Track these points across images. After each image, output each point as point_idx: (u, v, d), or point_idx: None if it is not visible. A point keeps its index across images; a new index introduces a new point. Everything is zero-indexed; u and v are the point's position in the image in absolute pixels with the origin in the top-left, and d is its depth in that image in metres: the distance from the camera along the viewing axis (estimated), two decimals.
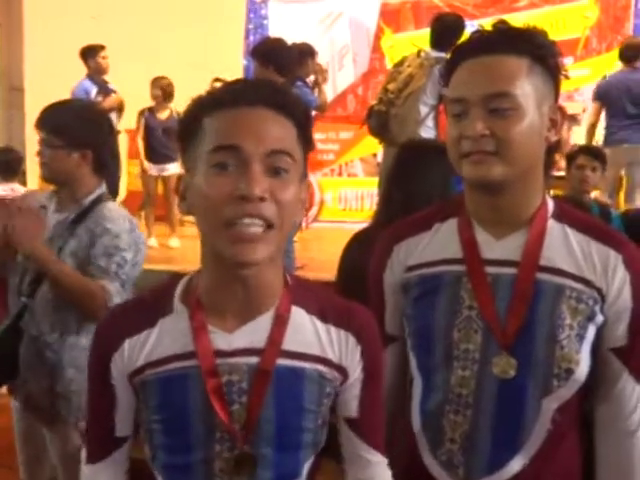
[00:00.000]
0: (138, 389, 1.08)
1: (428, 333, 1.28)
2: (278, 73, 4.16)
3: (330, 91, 6.94)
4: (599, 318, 1.22)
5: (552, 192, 5.26)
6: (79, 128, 2.10)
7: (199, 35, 7.75)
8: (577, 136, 6.44)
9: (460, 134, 1.20)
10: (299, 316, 1.08)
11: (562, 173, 4.26)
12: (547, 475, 1.24)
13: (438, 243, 1.31)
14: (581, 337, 1.21)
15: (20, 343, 2.06)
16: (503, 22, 1.24)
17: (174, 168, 5.79)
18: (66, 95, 3.93)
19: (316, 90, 5.08)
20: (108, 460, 1.14)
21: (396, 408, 1.37)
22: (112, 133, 2.31)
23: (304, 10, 8.78)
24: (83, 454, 1.16)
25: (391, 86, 4.40)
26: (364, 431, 1.15)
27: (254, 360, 1.04)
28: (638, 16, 7.86)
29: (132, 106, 5.92)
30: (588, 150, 4.08)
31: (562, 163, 5.16)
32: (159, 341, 1.06)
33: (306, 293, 1.11)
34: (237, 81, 1.05)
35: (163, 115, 5.98)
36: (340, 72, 8.83)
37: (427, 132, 4.30)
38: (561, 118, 1.24)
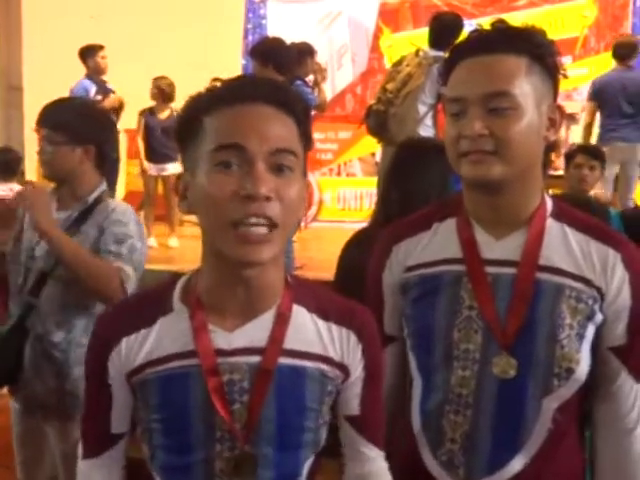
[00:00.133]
0: (137, 388, 1.08)
1: (428, 333, 1.28)
2: (277, 72, 4.16)
3: (329, 91, 6.94)
4: (598, 317, 1.22)
5: (551, 191, 5.27)
6: (81, 123, 2.09)
7: (198, 35, 7.74)
8: (576, 135, 6.44)
9: (459, 133, 1.19)
10: (300, 315, 1.08)
11: (561, 172, 4.26)
12: (548, 475, 1.24)
13: (437, 243, 1.31)
14: (581, 336, 1.21)
15: (25, 342, 2.06)
16: (502, 21, 1.24)
17: (174, 168, 5.78)
18: (65, 95, 3.92)
19: (315, 89, 5.08)
20: (104, 456, 1.14)
21: (396, 408, 1.37)
22: (114, 130, 2.30)
23: (303, 10, 8.78)
24: (80, 450, 1.16)
25: (390, 85, 4.41)
26: (365, 428, 1.16)
27: (255, 359, 1.04)
28: (636, 15, 7.87)
29: (131, 106, 5.92)
30: (586, 149, 4.09)
31: (558, 162, 5.18)
32: (159, 340, 1.06)
33: (306, 292, 1.10)
34: (237, 78, 1.04)
35: (163, 115, 5.98)
36: (339, 72, 8.83)
37: (426, 131, 4.30)
38: (560, 117, 1.24)
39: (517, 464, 1.22)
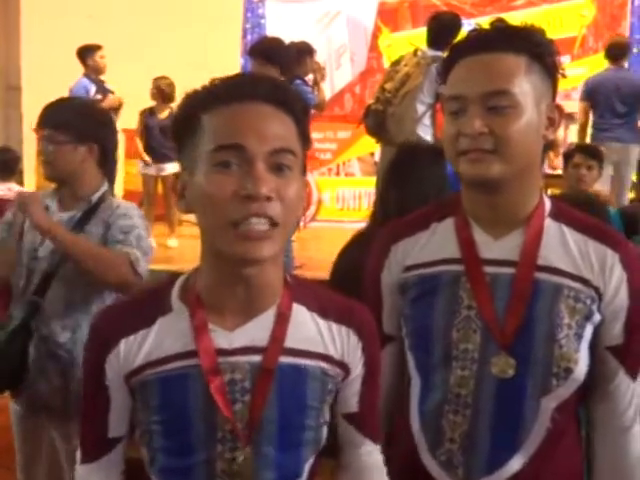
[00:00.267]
0: (136, 390, 1.07)
1: (427, 333, 1.28)
2: (277, 71, 4.16)
3: (327, 90, 6.93)
4: (596, 317, 1.22)
5: (550, 191, 5.28)
6: (83, 122, 2.09)
7: (196, 34, 7.73)
8: (574, 135, 6.44)
9: (458, 132, 1.19)
10: (300, 314, 1.07)
11: (560, 172, 4.26)
12: (546, 474, 1.24)
13: (436, 243, 1.30)
14: (579, 336, 1.21)
15: (29, 343, 2.05)
16: (501, 20, 1.24)
17: (172, 168, 5.78)
18: (64, 94, 3.90)
19: (315, 89, 5.08)
20: (102, 460, 1.13)
21: (395, 408, 1.37)
22: (115, 129, 2.30)
23: (301, 9, 8.76)
24: (78, 454, 1.15)
25: (388, 85, 4.41)
26: (363, 425, 1.16)
27: (256, 358, 1.03)
28: (635, 14, 7.86)
29: (130, 106, 5.92)
30: (584, 149, 4.09)
31: (557, 162, 5.18)
32: (158, 341, 1.05)
33: (305, 291, 1.10)
34: (235, 76, 1.03)
35: (163, 115, 5.97)
36: (337, 71, 8.82)
37: (424, 131, 4.31)
38: (559, 117, 1.24)
39: (516, 464, 1.23)
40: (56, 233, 1.95)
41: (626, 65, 6.22)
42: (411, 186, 2.13)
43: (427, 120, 4.35)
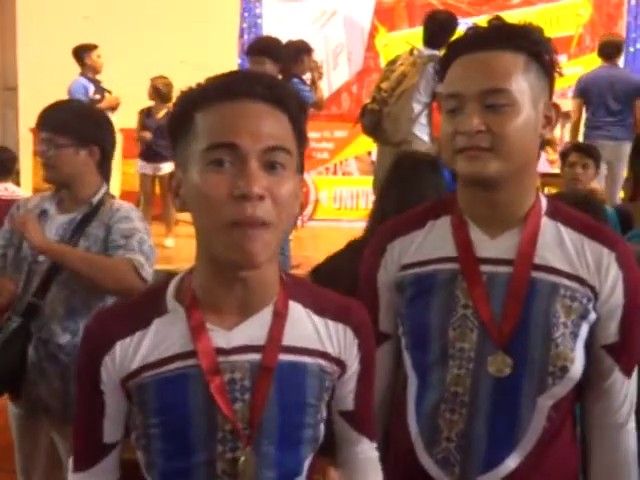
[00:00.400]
0: (133, 393, 1.05)
1: (423, 332, 1.28)
2: (275, 70, 4.17)
3: (325, 90, 6.93)
4: (592, 316, 1.22)
5: (547, 190, 5.28)
6: (84, 125, 2.09)
7: (193, 34, 7.72)
8: None
9: (455, 129, 1.19)
10: (296, 311, 1.07)
11: (557, 170, 4.27)
12: (542, 472, 1.24)
13: (432, 241, 1.30)
14: (575, 335, 1.21)
15: (28, 345, 2.05)
16: (499, 18, 1.24)
17: (169, 167, 5.77)
18: (60, 94, 3.89)
19: (312, 87, 5.08)
20: (97, 468, 1.10)
21: (391, 407, 1.38)
22: (114, 130, 2.30)
23: (298, 9, 8.77)
24: (70, 462, 1.12)
25: (384, 85, 4.41)
26: (358, 422, 1.17)
27: (255, 357, 1.03)
28: (631, 14, 7.89)
29: (127, 106, 5.91)
30: (579, 147, 4.09)
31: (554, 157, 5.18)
32: (156, 342, 1.03)
33: (301, 289, 1.10)
34: (229, 73, 1.01)
35: (161, 114, 5.96)
36: (334, 71, 8.82)
37: (420, 130, 4.31)
38: (556, 115, 1.24)
39: (512, 462, 1.23)
40: (56, 252, 1.97)
41: (620, 63, 6.23)
42: (410, 186, 2.14)
43: (423, 119, 4.35)
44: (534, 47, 1.19)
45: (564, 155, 3.99)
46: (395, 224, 1.38)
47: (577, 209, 1.32)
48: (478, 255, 1.25)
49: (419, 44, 4.46)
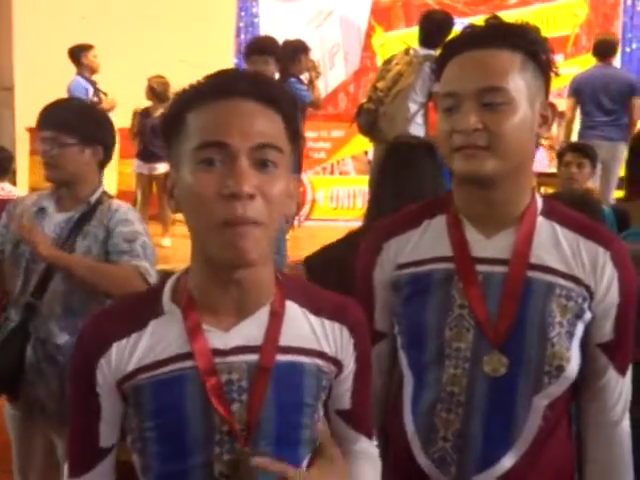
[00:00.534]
0: (129, 395, 1.04)
1: (419, 331, 1.28)
2: (274, 69, 4.18)
3: (321, 89, 6.94)
4: (587, 315, 1.22)
5: (542, 189, 5.28)
6: (87, 124, 2.09)
7: (189, 34, 7.72)
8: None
9: (452, 128, 1.19)
10: (292, 311, 1.07)
11: (554, 170, 4.28)
12: (538, 470, 1.25)
13: (428, 241, 1.30)
14: (571, 334, 1.21)
15: (27, 345, 2.04)
16: (496, 17, 1.24)
17: (164, 167, 5.76)
18: (57, 94, 3.88)
19: (310, 87, 5.08)
20: (92, 473, 1.08)
21: (386, 406, 1.38)
22: (114, 130, 2.30)
23: (295, 8, 8.77)
24: (65, 468, 1.11)
25: (380, 84, 4.41)
26: (356, 421, 1.17)
27: (253, 358, 1.02)
28: (627, 14, 7.91)
29: (123, 106, 5.90)
30: (575, 147, 4.10)
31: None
32: (152, 344, 1.03)
33: (297, 288, 1.10)
34: (219, 72, 1.01)
35: (156, 114, 5.95)
36: (331, 70, 8.82)
37: (416, 129, 4.31)
38: (552, 115, 1.24)
39: (508, 461, 1.23)
40: (63, 262, 1.97)
41: (617, 64, 6.24)
42: (405, 180, 2.11)
43: (419, 119, 4.35)
44: (531, 46, 1.19)
45: (560, 155, 4.00)
46: (391, 223, 1.38)
47: (573, 209, 1.32)
48: (474, 255, 1.25)
49: (416, 44, 4.46)
